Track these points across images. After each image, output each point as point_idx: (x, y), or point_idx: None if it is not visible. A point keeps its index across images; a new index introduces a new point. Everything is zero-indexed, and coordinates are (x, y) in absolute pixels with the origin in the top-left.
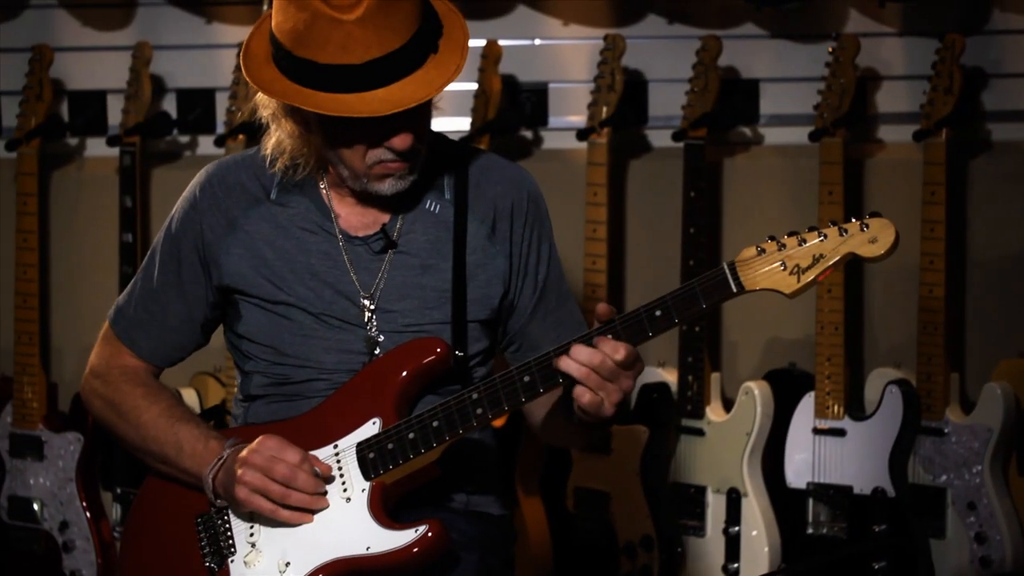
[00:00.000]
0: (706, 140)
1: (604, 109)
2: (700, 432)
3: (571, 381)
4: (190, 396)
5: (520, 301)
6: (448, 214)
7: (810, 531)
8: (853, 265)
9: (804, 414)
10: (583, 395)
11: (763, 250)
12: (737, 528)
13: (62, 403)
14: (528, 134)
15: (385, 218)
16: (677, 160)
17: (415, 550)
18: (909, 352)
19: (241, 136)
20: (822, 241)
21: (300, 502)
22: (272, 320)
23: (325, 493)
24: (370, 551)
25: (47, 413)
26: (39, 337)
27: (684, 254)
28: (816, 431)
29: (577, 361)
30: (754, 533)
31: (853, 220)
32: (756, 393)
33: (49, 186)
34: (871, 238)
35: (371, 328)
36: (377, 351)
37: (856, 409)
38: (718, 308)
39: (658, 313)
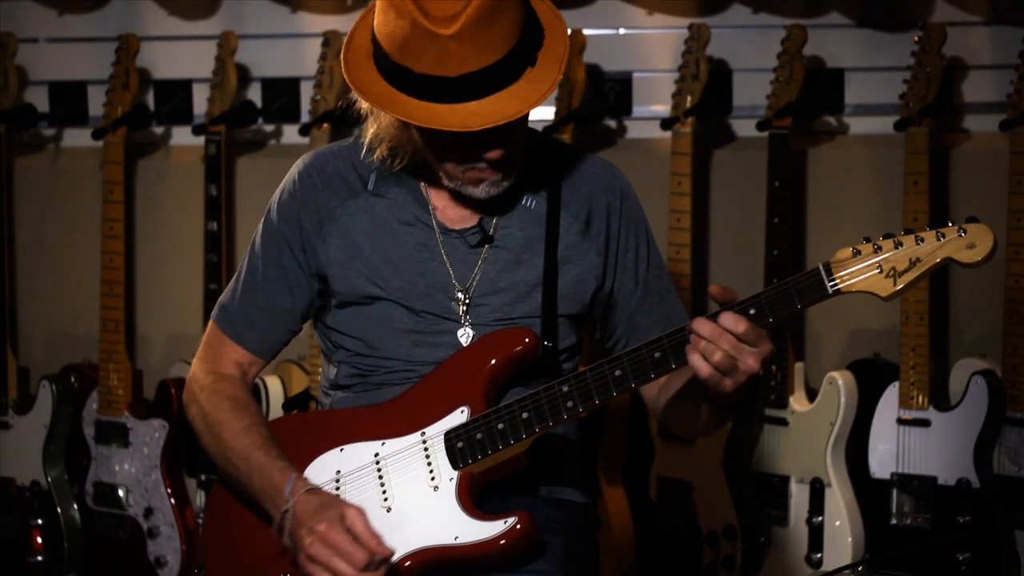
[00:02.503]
0: (791, 129)
1: (688, 98)
2: (784, 422)
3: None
4: (274, 384)
5: (621, 296)
6: (542, 210)
7: (894, 522)
8: None
9: (888, 404)
10: (703, 367)
11: (859, 251)
12: (820, 518)
13: (147, 390)
14: (612, 123)
15: (483, 212)
16: (761, 150)
17: (503, 542)
18: (995, 342)
19: (326, 125)
20: (919, 245)
21: None
22: (363, 313)
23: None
24: (458, 541)
25: (132, 400)
26: (124, 325)
27: (768, 244)
28: (900, 421)
29: (698, 334)
30: (837, 523)
31: (951, 224)
32: (840, 383)
33: (135, 175)
34: (969, 243)
35: (462, 321)
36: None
37: (941, 399)
38: None
39: (752, 312)
